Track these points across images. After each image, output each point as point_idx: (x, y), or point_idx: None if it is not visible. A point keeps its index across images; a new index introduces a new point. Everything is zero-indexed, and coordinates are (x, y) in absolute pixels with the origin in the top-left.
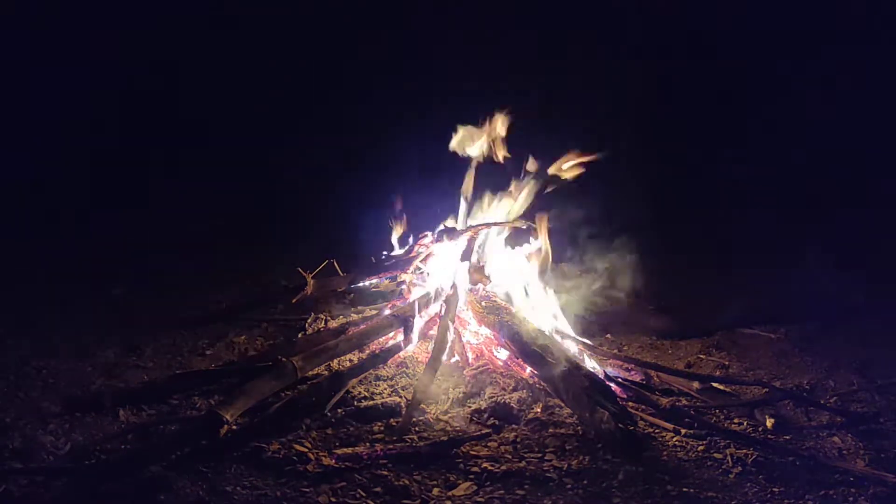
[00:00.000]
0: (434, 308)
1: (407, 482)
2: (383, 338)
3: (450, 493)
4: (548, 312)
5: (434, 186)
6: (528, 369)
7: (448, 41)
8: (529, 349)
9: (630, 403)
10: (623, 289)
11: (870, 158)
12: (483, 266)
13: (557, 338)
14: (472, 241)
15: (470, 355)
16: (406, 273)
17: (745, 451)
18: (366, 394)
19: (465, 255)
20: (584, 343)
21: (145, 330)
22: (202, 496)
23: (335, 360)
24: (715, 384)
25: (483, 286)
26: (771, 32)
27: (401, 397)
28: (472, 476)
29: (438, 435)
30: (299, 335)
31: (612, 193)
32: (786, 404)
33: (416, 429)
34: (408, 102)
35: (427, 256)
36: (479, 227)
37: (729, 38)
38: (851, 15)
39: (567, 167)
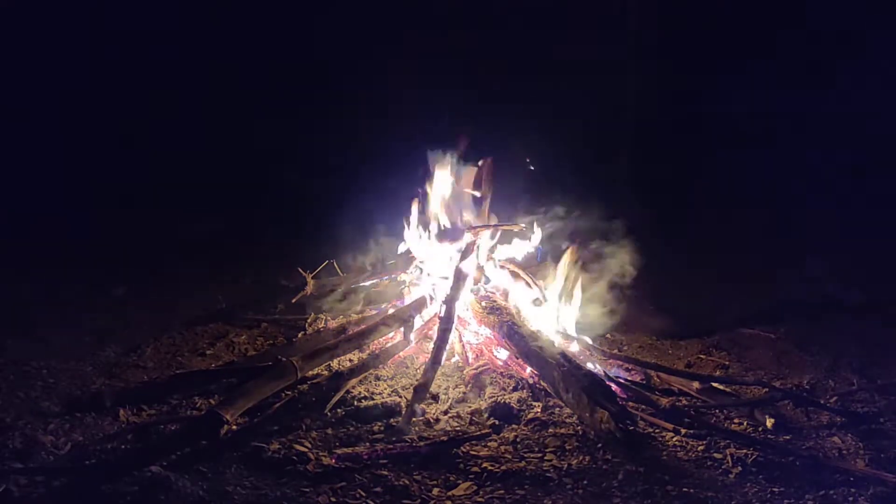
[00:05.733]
0: (434, 308)
1: (407, 482)
2: (383, 338)
3: (450, 493)
4: (549, 312)
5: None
6: (528, 369)
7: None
8: (529, 349)
9: (630, 403)
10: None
11: (869, 156)
12: (482, 266)
13: (558, 337)
14: (472, 241)
15: (470, 355)
16: (406, 273)
17: (745, 451)
18: (366, 394)
19: (465, 256)
20: (584, 343)
21: (145, 330)
22: (202, 496)
23: (335, 360)
24: (715, 384)
25: (483, 286)
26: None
27: (401, 397)
28: (472, 476)
29: (438, 435)
30: (299, 335)
31: (613, 193)
32: (786, 404)
33: (416, 429)
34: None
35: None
36: (480, 229)
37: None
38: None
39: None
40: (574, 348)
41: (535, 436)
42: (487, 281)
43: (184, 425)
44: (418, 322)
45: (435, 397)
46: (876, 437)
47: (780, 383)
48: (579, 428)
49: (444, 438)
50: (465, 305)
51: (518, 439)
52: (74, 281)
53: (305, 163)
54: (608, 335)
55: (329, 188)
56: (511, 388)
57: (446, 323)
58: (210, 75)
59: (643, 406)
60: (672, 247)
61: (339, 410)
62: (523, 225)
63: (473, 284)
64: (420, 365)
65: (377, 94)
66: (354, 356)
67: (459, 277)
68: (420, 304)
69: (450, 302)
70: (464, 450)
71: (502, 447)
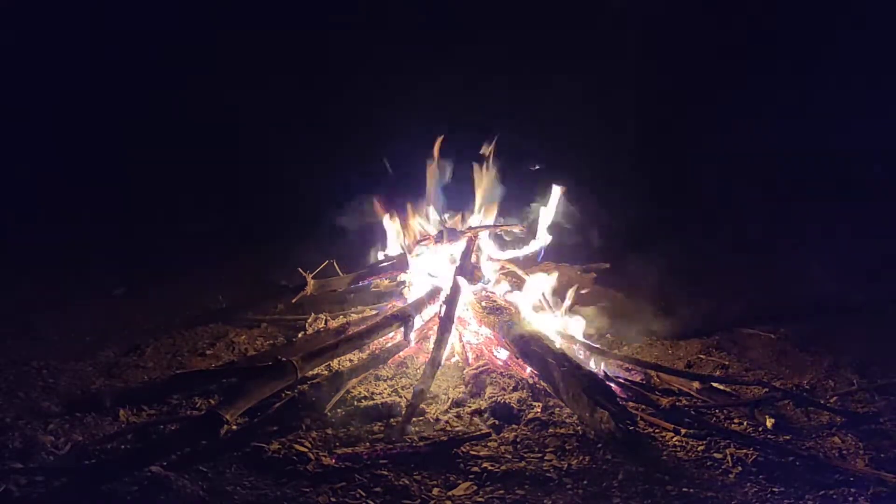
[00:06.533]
0: (433, 308)
1: (407, 482)
2: (383, 338)
3: (450, 493)
4: (550, 312)
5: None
6: (528, 369)
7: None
8: (529, 349)
9: (630, 403)
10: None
11: (867, 154)
12: (481, 266)
13: (558, 338)
14: (471, 241)
15: (470, 355)
16: (405, 273)
17: (745, 451)
18: (366, 394)
19: (465, 256)
20: (584, 343)
21: (145, 330)
22: (202, 496)
23: (335, 360)
24: (715, 384)
25: (482, 285)
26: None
27: (401, 397)
28: (472, 476)
29: (438, 435)
30: (299, 335)
31: (614, 193)
32: (786, 404)
33: (416, 429)
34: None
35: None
36: (478, 229)
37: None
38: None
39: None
40: (574, 348)
41: (535, 436)
42: (487, 281)
43: (184, 425)
44: (418, 322)
45: (435, 397)
46: (876, 437)
47: (780, 383)
48: (579, 428)
49: (444, 438)
50: (465, 305)
51: (518, 439)
52: (74, 281)
53: (306, 162)
54: (608, 335)
55: (329, 188)
56: (511, 388)
57: (446, 323)
58: (210, 74)
59: (643, 406)
60: (672, 247)
61: (339, 410)
62: (521, 226)
63: (473, 284)
64: (420, 365)
65: (377, 93)
66: (354, 356)
67: (459, 278)
68: (420, 304)
69: (450, 302)
70: (464, 450)
71: (502, 447)
